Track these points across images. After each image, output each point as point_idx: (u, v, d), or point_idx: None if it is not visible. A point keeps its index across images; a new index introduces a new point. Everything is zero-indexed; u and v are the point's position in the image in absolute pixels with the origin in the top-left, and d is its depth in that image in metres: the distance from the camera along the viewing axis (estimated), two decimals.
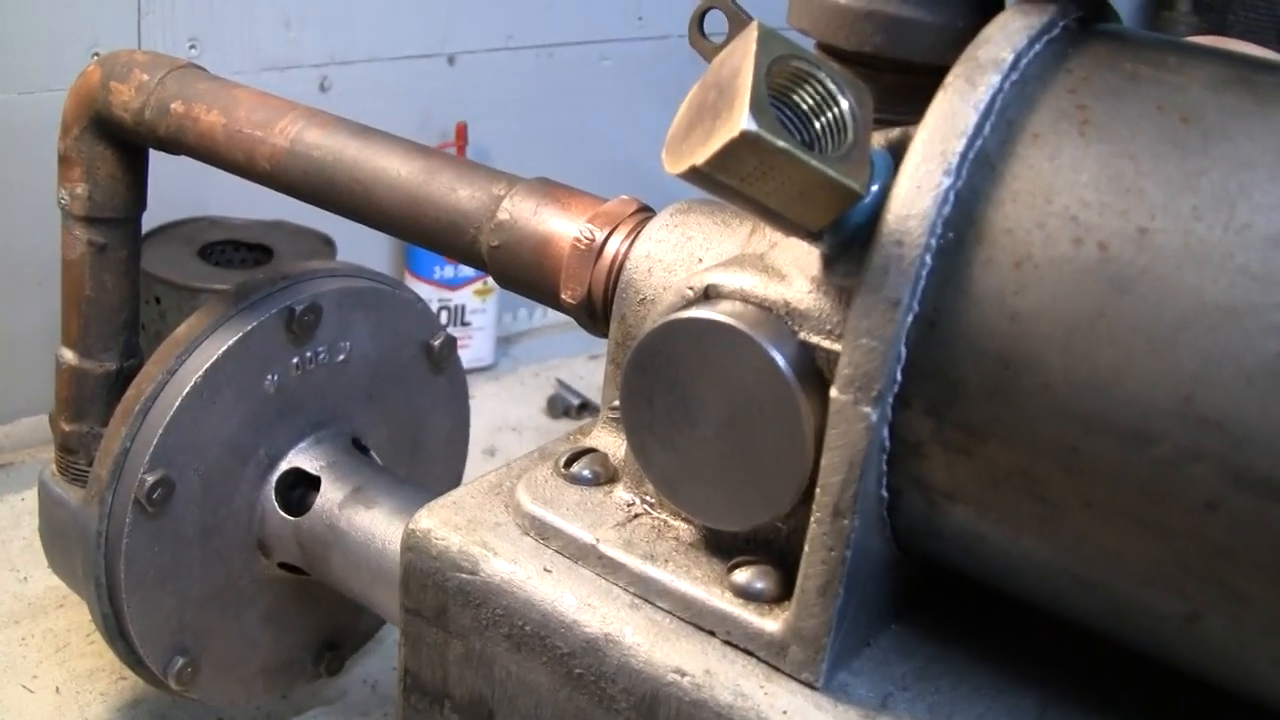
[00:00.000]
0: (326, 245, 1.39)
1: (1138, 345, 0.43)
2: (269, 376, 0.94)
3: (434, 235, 0.70)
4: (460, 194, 0.69)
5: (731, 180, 0.46)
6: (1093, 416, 0.44)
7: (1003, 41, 0.47)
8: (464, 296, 1.64)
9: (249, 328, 0.91)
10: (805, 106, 0.48)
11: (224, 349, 0.90)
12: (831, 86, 0.48)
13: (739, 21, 0.67)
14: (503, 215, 0.68)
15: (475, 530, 0.60)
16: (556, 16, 1.62)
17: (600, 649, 0.55)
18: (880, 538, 0.52)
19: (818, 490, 0.50)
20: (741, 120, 0.45)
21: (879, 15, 0.52)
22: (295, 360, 0.95)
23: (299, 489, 0.99)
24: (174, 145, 0.81)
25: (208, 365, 0.89)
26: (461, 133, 1.57)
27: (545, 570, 0.58)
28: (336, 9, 1.44)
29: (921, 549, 0.52)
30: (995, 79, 0.47)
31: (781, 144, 0.45)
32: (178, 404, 0.89)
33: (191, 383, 0.89)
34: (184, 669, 0.96)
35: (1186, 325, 0.42)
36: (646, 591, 0.57)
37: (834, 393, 0.49)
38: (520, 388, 1.71)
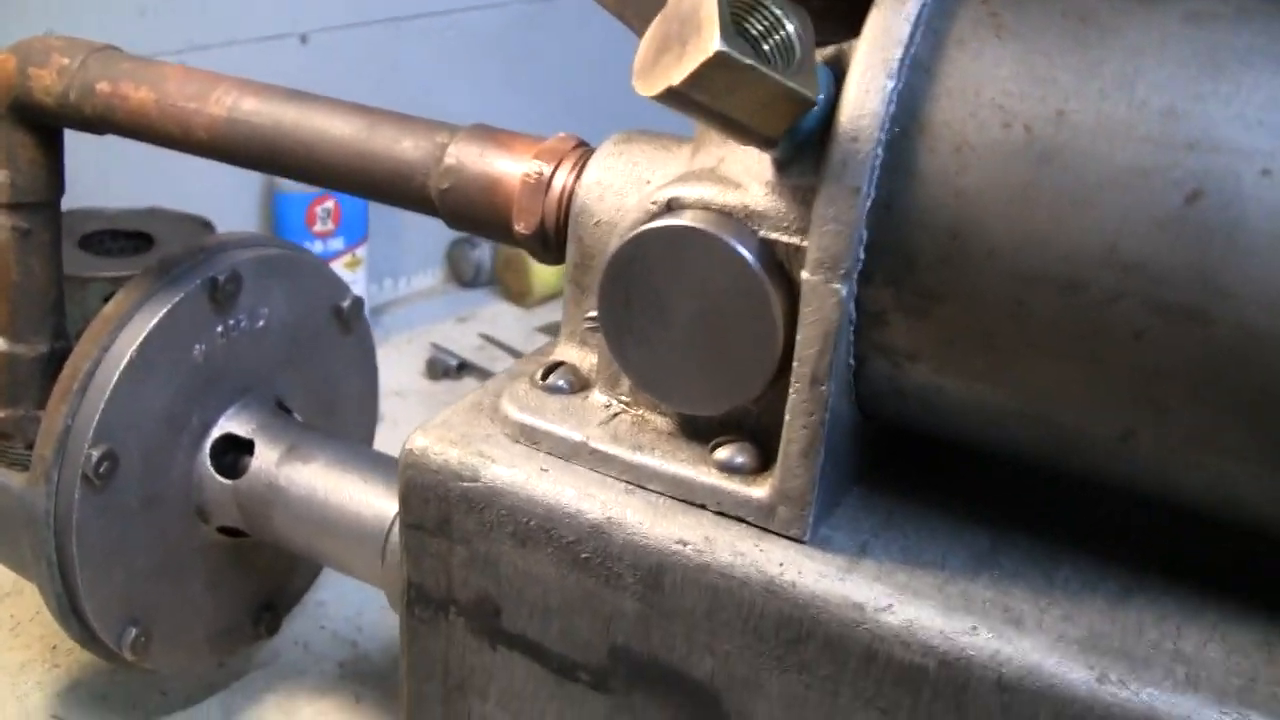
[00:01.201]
0: (205, 227, 1.41)
1: (1065, 208, 0.51)
2: (197, 346, 0.97)
3: (383, 186, 0.75)
4: (404, 144, 0.74)
5: (703, 97, 0.53)
6: (1033, 272, 0.52)
7: None
8: (334, 270, 1.68)
9: (176, 299, 0.94)
10: (755, 31, 0.55)
11: (155, 322, 0.93)
12: (778, 12, 0.55)
13: None
14: (450, 160, 0.73)
15: (470, 443, 0.66)
16: None
17: (605, 532, 0.62)
18: (848, 402, 0.59)
19: (795, 363, 0.57)
20: (715, 43, 0.51)
21: None
22: (220, 329, 0.99)
23: (229, 454, 1.02)
24: (101, 125, 0.84)
25: (141, 339, 0.92)
26: None
27: (543, 470, 0.64)
28: None
29: (883, 410, 0.60)
30: None
31: (749, 61, 0.52)
32: (115, 379, 0.91)
33: (127, 357, 0.92)
34: (137, 639, 0.99)
35: (1105, 187, 0.51)
36: (639, 477, 0.63)
37: (805, 275, 0.56)
38: (396, 354, 1.75)
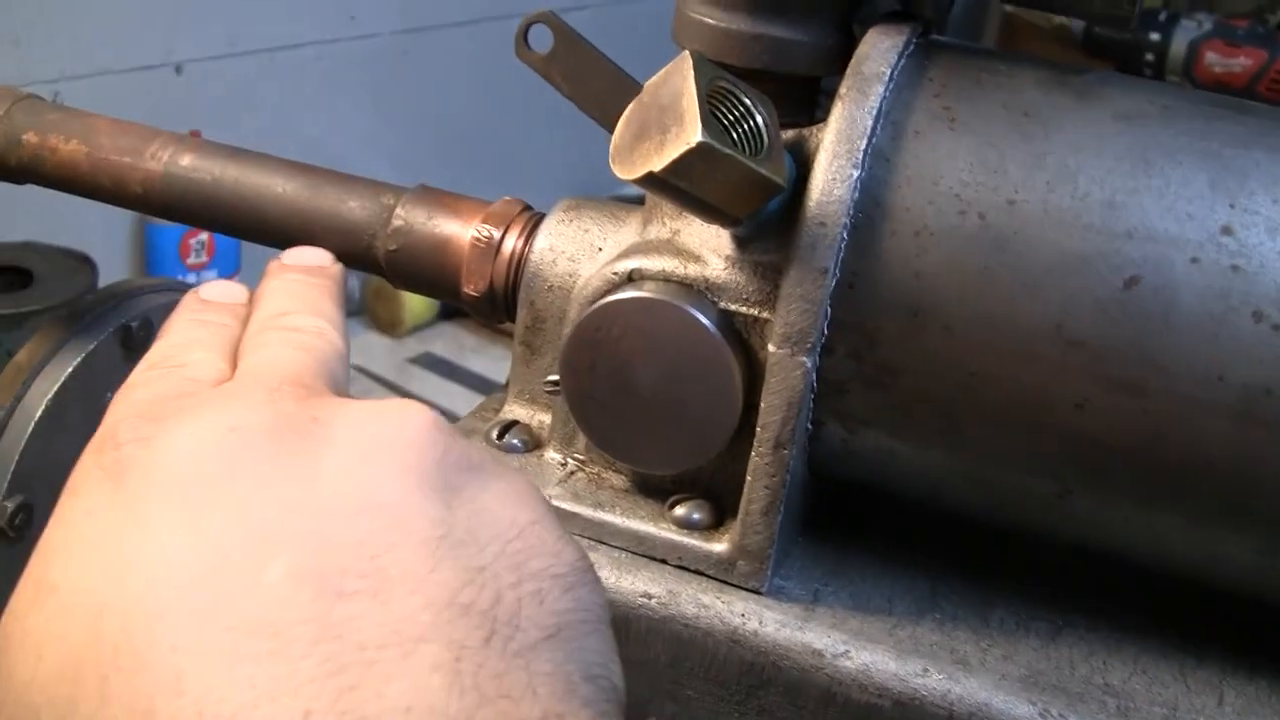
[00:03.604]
0: (85, 263, 1.39)
1: (1017, 289, 0.56)
2: (108, 394, 0.96)
3: (326, 246, 0.76)
4: (350, 205, 0.76)
5: (682, 182, 0.57)
6: (985, 347, 0.57)
7: (879, 59, 0.60)
8: None
9: (91, 348, 0.94)
10: (727, 120, 0.59)
11: (69, 371, 0.92)
12: (748, 101, 0.59)
13: (563, 35, 0.77)
14: (397, 222, 0.75)
15: None
16: (276, 20, 1.66)
17: None
18: (802, 464, 0.63)
19: (759, 429, 0.61)
20: (697, 133, 0.55)
21: (766, 37, 0.63)
22: None
23: None
24: (25, 175, 0.83)
25: (56, 389, 0.92)
26: None
27: None
28: (64, 25, 1.43)
29: (834, 469, 0.64)
30: (880, 89, 0.59)
31: (728, 151, 0.56)
32: (30, 429, 0.91)
33: (42, 407, 0.91)
34: None
35: (1052, 271, 0.56)
36: (601, 534, 0.66)
37: (771, 348, 0.60)
38: None
